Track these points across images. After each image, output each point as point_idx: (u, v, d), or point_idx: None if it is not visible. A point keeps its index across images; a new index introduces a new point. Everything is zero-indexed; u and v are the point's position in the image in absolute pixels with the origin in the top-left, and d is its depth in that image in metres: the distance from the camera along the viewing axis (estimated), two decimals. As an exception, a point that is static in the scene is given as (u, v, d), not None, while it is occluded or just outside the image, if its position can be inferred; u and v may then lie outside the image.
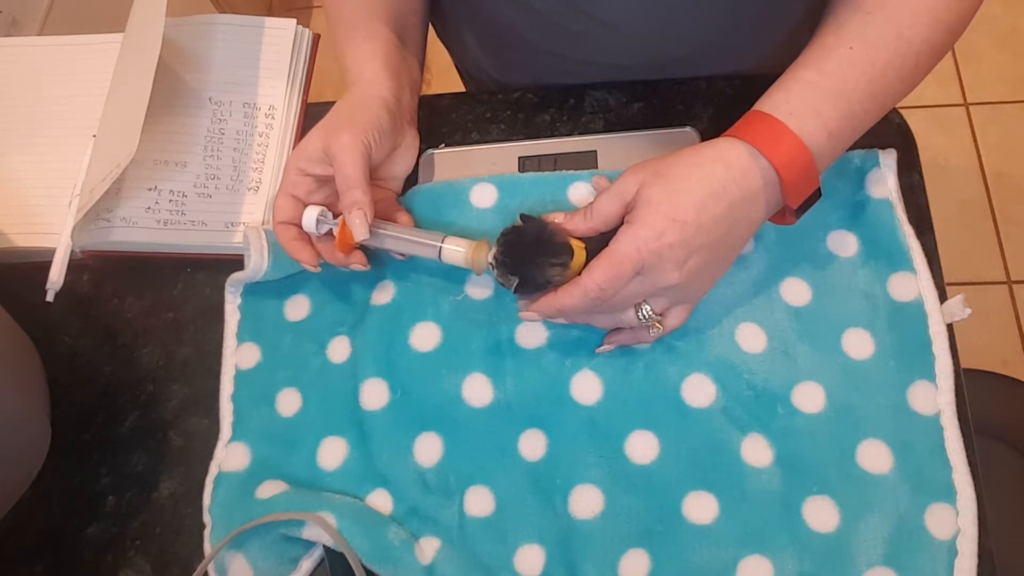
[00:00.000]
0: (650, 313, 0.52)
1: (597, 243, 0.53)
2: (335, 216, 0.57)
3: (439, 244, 0.55)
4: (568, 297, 0.50)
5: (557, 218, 0.54)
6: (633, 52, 0.65)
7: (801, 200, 0.51)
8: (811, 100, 0.50)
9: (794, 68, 0.52)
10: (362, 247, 0.58)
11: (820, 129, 0.49)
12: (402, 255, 0.59)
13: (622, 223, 0.50)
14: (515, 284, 0.52)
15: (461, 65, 0.85)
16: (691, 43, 0.64)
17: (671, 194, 0.49)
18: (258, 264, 0.60)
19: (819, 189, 0.51)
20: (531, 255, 0.51)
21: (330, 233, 0.57)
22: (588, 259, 0.52)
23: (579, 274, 0.52)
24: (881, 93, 0.50)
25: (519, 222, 0.53)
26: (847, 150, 0.53)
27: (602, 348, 0.57)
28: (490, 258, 0.53)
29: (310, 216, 0.56)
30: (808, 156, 0.49)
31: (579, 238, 0.53)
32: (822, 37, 0.52)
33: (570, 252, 0.51)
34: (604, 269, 0.49)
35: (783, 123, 0.49)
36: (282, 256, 0.61)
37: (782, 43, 0.68)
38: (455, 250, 0.55)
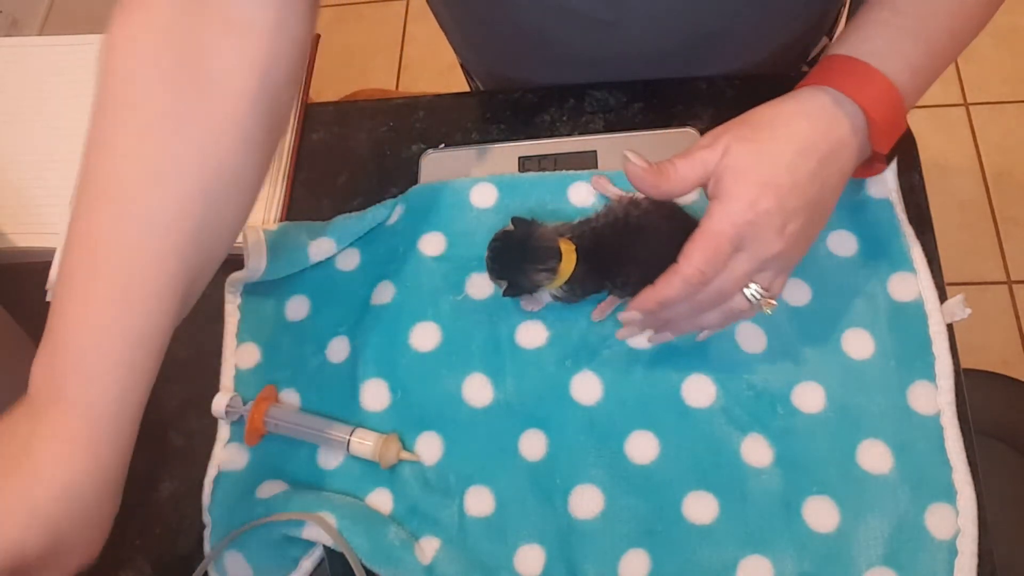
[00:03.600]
0: (759, 291, 0.48)
1: (588, 241, 0.53)
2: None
3: (347, 437, 0.55)
4: (668, 288, 0.47)
5: (639, 163, 0.48)
6: (646, 40, 0.65)
7: (892, 144, 0.48)
8: (891, 38, 0.47)
9: (866, 10, 0.49)
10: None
11: (904, 66, 0.47)
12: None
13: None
14: (504, 287, 0.54)
15: (468, 66, 0.85)
16: (715, 26, 0.63)
17: (758, 158, 0.45)
18: (256, 264, 0.60)
19: (908, 131, 0.50)
20: (518, 260, 0.52)
21: (240, 420, 0.58)
22: (583, 259, 0.52)
23: (569, 275, 0.52)
24: (959, 29, 0.48)
25: (510, 226, 0.54)
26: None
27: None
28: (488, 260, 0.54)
29: (219, 402, 0.57)
30: (896, 95, 0.46)
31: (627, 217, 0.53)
32: None
33: (557, 257, 0.52)
34: (700, 250, 0.45)
35: (865, 63, 0.47)
36: (281, 256, 0.61)
37: (784, 43, 0.68)
38: (363, 443, 0.55)
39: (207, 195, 0.43)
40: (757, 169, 0.45)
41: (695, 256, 0.45)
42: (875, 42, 0.47)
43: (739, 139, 0.46)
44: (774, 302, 0.49)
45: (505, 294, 0.54)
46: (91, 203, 0.43)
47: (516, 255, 0.53)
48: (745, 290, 0.48)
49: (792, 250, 0.47)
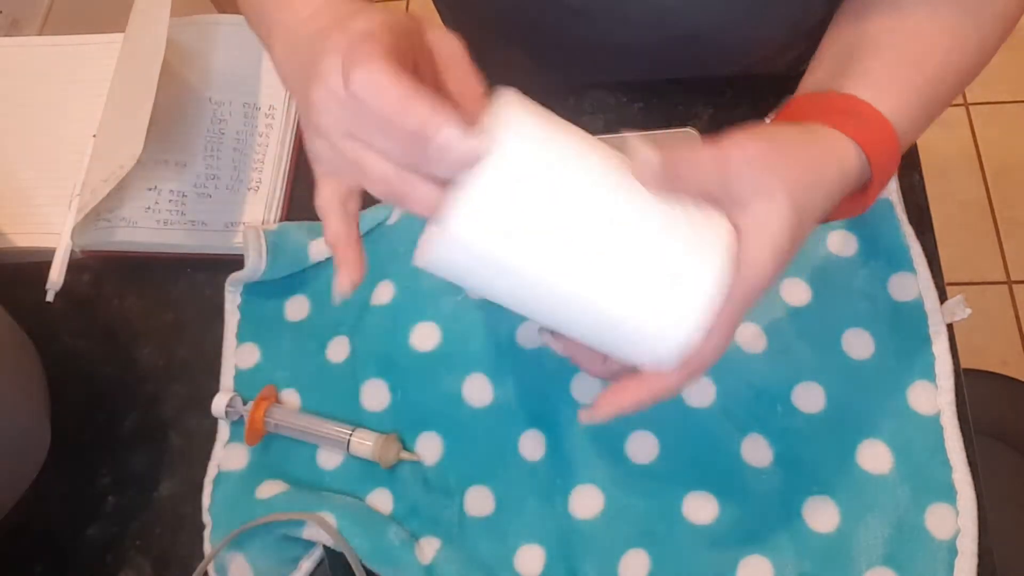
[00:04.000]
0: None
1: None
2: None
3: (347, 437, 0.55)
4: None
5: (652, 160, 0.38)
6: (639, 30, 0.64)
7: (884, 183, 0.44)
8: (881, 74, 0.44)
9: (861, 45, 0.46)
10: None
11: (896, 101, 0.43)
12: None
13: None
14: None
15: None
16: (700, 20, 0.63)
17: (771, 215, 0.38)
18: (256, 264, 0.60)
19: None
20: None
21: (240, 420, 0.58)
22: None
23: None
24: (958, 67, 0.46)
25: None
26: None
27: None
28: None
29: (219, 402, 0.57)
30: (890, 133, 0.43)
31: None
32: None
33: None
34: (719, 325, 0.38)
35: (884, 121, 0.42)
36: (281, 256, 0.61)
37: (782, 43, 0.68)
38: (363, 443, 0.55)
39: None
40: (770, 229, 0.38)
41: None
42: (867, 79, 0.44)
43: (787, 191, 0.38)
44: None
45: None
46: None
47: None
48: None
49: None
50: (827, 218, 0.42)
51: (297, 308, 0.62)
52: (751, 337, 0.56)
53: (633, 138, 0.62)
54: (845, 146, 0.41)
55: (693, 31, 0.64)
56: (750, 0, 0.61)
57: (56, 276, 0.64)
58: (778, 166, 0.38)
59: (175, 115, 0.68)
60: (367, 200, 0.39)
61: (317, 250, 0.63)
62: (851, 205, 0.44)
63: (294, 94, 0.42)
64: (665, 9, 0.61)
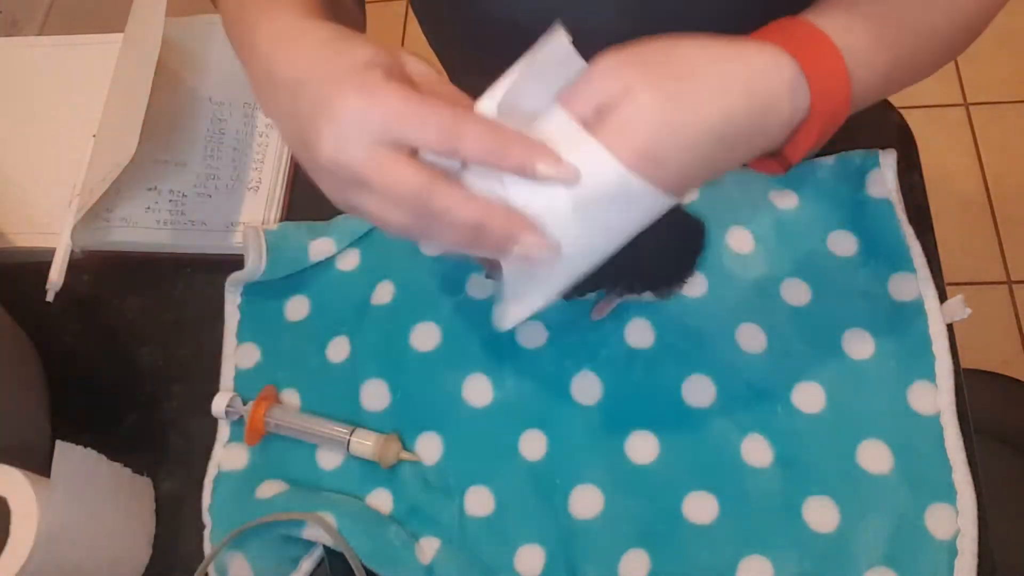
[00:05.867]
0: None
1: None
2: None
3: (347, 437, 0.55)
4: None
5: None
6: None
7: (826, 108, 0.40)
8: (857, 25, 0.41)
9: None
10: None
11: (865, 60, 0.41)
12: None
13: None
14: (486, 270, 0.55)
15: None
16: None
17: (663, 120, 0.36)
18: (256, 264, 0.60)
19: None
20: None
21: (240, 420, 0.58)
22: None
23: None
24: (928, 29, 0.44)
25: None
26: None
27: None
28: None
29: (219, 402, 0.57)
30: (834, 52, 0.39)
31: None
32: None
33: None
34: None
35: (830, 40, 0.39)
36: (281, 256, 0.61)
37: None
38: (363, 443, 0.55)
39: None
40: (656, 136, 0.36)
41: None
42: (849, 33, 0.41)
43: (649, 83, 0.36)
44: None
45: (487, 276, 0.55)
46: None
47: None
48: None
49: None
50: (770, 149, 0.40)
51: (297, 308, 0.62)
52: (751, 337, 0.56)
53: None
54: (760, 48, 0.39)
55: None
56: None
57: (56, 276, 0.64)
58: (636, 65, 0.37)
59: (175, 115, 0.68)
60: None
61: (317, 250, 0.63)
62: (804, 135, 0.40)
63: (279, 117, 0.42)
64: (624, 38, 0.62)
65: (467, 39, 0.71)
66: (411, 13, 1.98)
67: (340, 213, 0.64)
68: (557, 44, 0.38)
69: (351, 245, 0.64)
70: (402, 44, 1.94)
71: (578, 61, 0.39)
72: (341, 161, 0.37)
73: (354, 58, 0.38)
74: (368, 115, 0.36)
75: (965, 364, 0.54)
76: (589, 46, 0.40)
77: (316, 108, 0.37)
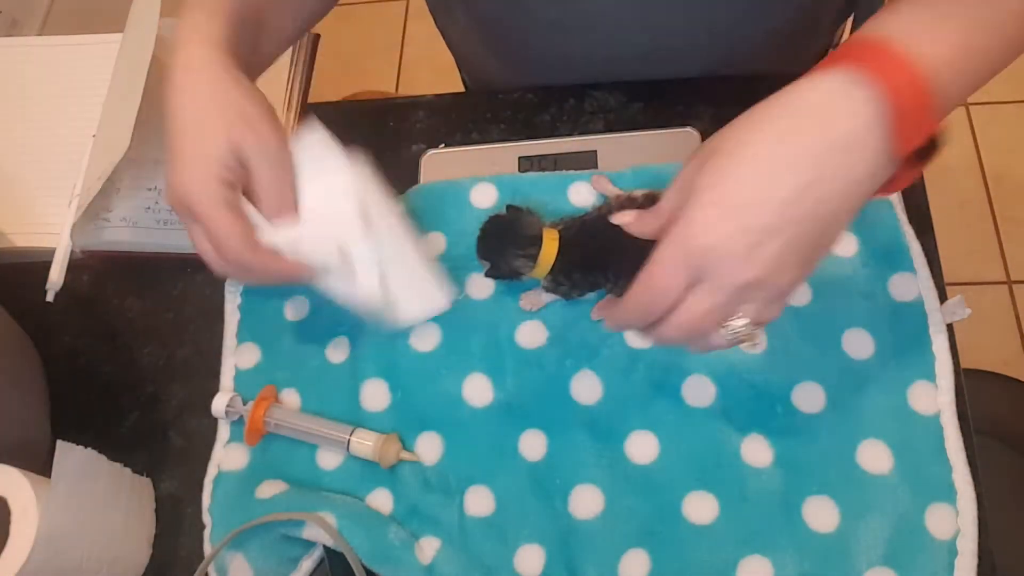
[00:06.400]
0: (738, 331, 0.41)
1: (576, 234, 0.53)
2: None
3: (347, 437, 0.55)
4: (619, 311, 0.44)
5: (627, 217, 0.46)
6: (617, 43, 0.65)
7: (914, 141, 0.39)
8: (921, 17, 0.39)
9: None
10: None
11: (938, 49, 0.38)
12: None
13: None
14: (486, 269, 0.55)
15: (464, 68, 0.85)
16: (672, 36, 0.63)
17: (723, 172, 0.38)
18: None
19: (938, 136, 0.40)
20: (501, 244, 0.53)
21: (240, 420, 0.58)
22: (570, 251, 0.53)
23: (551, 264, 0.53)
24: (1011, 28, 0.40)
25: (504, 212, 0.55)
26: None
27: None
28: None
29: (219, 402, 0.58)
30: (921, 78, 0.37)
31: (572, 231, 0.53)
32: None
33: (538, 244, 0.52)
34: (639, 281, 0.41)
35: (887, 41, 0.38)
36: (282, 256, 0.61)
37: (777, 44, 0.68)
38: (363, 443, 0.55)
39: None
40: (718, 187, 0.38)
41: (635, 287, 0.41)
42: (900, 22, 0.39)
43: (712, 151, 0.40)
44: (758, 341, 0.44)
45: (487, 274, 0.55)
46: None
47: (500, 239, 0.54)
48: (724, 328, 0.42)
49: (775, 276, 0.39)
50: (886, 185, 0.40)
51: (297, 308, 0.62)
52: (751, 337, 0.56)
53: (633, 138, 0.62)
54: (817, 83, 0.38)
55: (660, 47, 0.64)
56: (708, 23, 0.62)
57: (56, 276, 0.64)
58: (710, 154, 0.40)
59: (175, 115, 0.68)
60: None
61: (317, 250, 0.63)
62: (900, 158, 0.40)
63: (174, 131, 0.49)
64: (629, 26, 0.62)
65: (481, 30, 0.71)
66: (411, 13, 1.98)
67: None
68: (316, 136, 0.53)
69: (351, 245, 0.64)
70: (402, 44, 1.94)
71: (334, 146, 0.54)
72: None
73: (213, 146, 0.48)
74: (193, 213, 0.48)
75: (965, 364, 0.54)
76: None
77: (169, 163, 0.48)
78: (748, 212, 0.38)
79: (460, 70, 0.87)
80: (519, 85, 0.69)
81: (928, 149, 0.40)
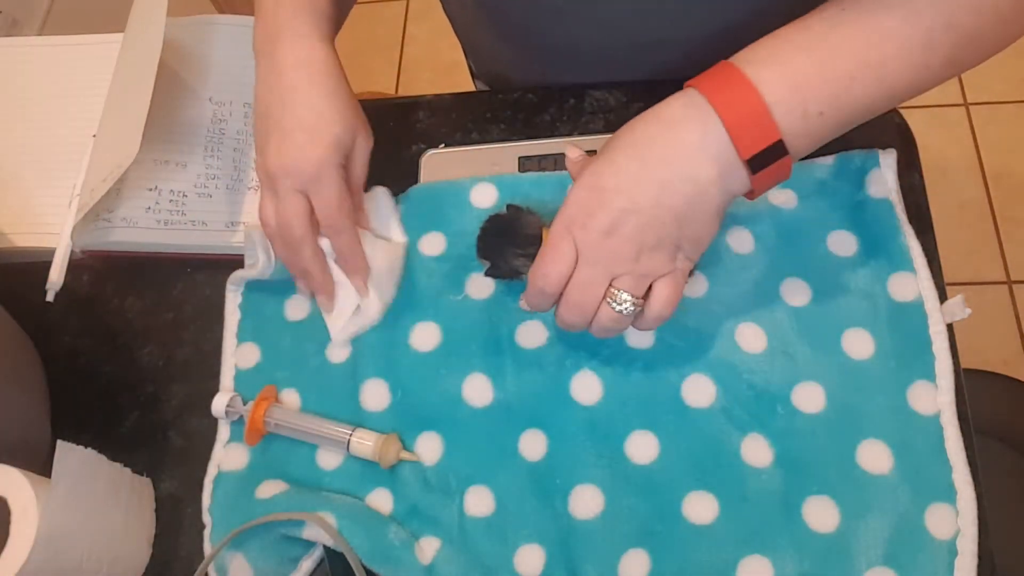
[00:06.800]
0: (626, 300, 0.48)
1: None
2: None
3: (347, 437, 0.55)
4: (528, 290, 0.51)
5: (574, 153, 0.53)
6: (619, 30, 0.65)
7: (754, 148, 0.45)
8: (777, 49, 0.46)
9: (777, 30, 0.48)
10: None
11: (780, 77, 0.45)
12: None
13: None
14: (486, 268, 0.55)
15: (471, 55, 0.85)
16: (674, 28, 0.64)
17: (599, 163, 0.48)
18: (265, 264, 0.60)
19: (787, 158, 0.46)
20: (501, 243, 0.54)
21: (240, 420, 0.59)
22: None
23: None
24: (876, 61, 0.45)
25: (504, 211, 0.55)
26: (842, 131, 0.47)
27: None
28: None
29: (219, 402, 0.58)
30: (759, 101, 0.44)
31: None
32: (820, 7, 0.48)
33: (537, 244, 0.52)
34: (539, 257, 0.49)
35: (735, 66, 0.45)
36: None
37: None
38: (363, 443, 0.55)
39: None
40: (590, 174, 0.48)
41: (536, 263, 0.49)
42: (759, 52, 0.46)
43: (604, 147, 0.48)
44: (642, 305, 0.48)
45: (486, 274, 0.55)
46: None
47: (500, 238, 0.54)
48: (609, 300, 0.48)
49: (637, 251, 0.46)
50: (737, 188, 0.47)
51: (297, 308, 0.62)
52: (751, 337, 0.56)
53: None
54: (672, 99, 0.47)
55: (660, 38, 0.64)
56: (706, 13, 0.62)
57: (56, 276, 0.64)
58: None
59: (175, 115, 0.68)
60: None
61: (317, 250, 0.63)
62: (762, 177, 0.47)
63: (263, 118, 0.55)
64: (635, 14, 0.62)
65: (487, 16, 0.71)
66: (411, 13, 1.98)
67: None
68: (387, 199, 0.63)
69: (351, 245, 0.64)
70: (402, 44, 1.94)
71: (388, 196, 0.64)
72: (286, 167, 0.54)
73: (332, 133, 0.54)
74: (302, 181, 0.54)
75: (965, 364, 0.54)
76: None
77: (281, 135, 0.54)
78: (611, 195, 0.46)
79: (467, 56, 0.87)
80: (524, 73, 0.69)
81: (770, 153, 0.45)
